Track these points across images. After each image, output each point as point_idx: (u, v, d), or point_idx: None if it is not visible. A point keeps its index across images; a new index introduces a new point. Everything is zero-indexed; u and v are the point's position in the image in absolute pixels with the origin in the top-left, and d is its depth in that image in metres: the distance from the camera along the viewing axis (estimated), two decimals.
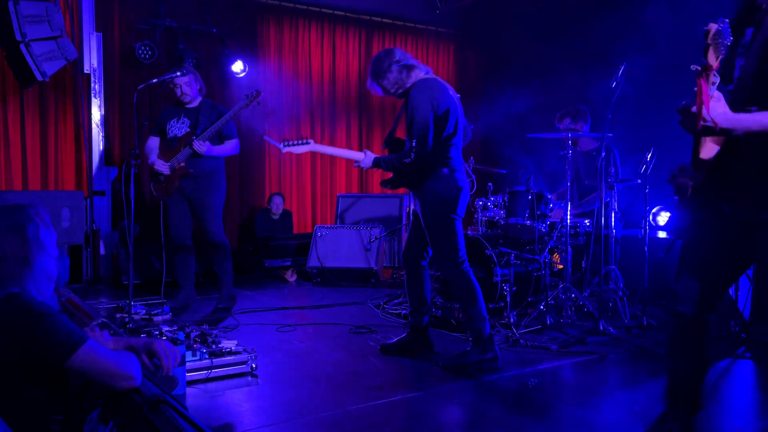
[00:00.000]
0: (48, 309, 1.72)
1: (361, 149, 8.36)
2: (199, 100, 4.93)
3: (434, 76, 3.72)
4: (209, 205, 4.86)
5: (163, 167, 4.78)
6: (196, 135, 4.73)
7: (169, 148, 4.85)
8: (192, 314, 4.82)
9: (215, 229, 4.88)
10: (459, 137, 3.67)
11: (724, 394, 3.27)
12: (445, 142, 3.59)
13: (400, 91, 3.65)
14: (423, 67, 3.69)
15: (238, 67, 7.10)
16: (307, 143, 3.61)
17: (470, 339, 3.58)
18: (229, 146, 4.91)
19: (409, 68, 3.63)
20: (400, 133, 3.77)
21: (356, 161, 3.71)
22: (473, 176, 5.04)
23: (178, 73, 4.64)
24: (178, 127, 4.86)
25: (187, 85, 4.82)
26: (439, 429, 2.81)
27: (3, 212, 1.78)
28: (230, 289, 5.00)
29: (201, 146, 4.66)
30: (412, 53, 8.93)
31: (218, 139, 4.85)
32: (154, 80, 4.49)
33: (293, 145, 3.62)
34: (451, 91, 3.69)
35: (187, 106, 4.90)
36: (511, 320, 4.25)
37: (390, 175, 3.74)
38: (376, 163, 3.65)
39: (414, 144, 3.47)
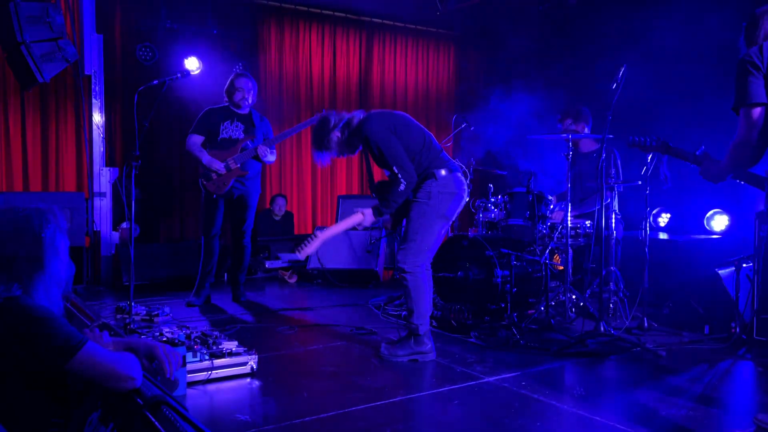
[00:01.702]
0: (47, 313, 1.72)
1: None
2: (249, 108, 5.21)
3: (369, 113, 3.80)
4: (251, 206, 5.24)
5: (219, 166, 5.03)
6: (259, 140, 5.08)
7: (222, 149, 5.09)
8: (195, 314, 4.83)
9: (249, 229, 5.26)
10: (433, 138, 3.78)
11: (724, 395, 3.27)
12: (427, 146, 3.71)
13: (346, 153, 3.78)
14: (357, 113, 3.79)
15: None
16: (316, 237, 3.70)
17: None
18: (274, 155, 5.26)
19: (347, 125, 3.71)
20: (378, 176, 3.88)
21: (359, 224, 3.76)
22: (470, 177, 5.06)
23: (178, 75, 4.68)
24: (233, 130, 5.12)
25: (249, 92, 5.12)
26: (440, 430, 2.81)
27: (22, 214, 1.80)
28: (241, 285, 5.39)
29: (267, 153, 5.05)
30: (412, 54, 8.90)
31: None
32: (155, 81, 4.52)
33: (307, 245, 3.69)
34: (396, 112, 3.86)
35: (238, 111, 5.16)
36: (512, 321, 4.25)
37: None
38: (377, 212, 3.72)
39: (396, 170, 3.56)
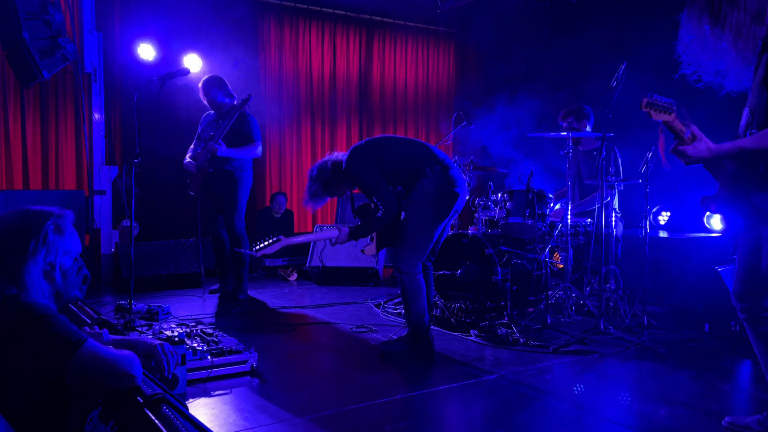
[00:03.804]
0: (47, 310, 1.72)
1: None
2: (229, 106, 5.24)
3: (350, 150, 3.83)
4: (228, 201, 5.24)
5: (190, 166, 5.21)
6: (215, 138, 5.07)
7: (200, 149, 5.24)
8: (195, 312, 4.83)
9: (235, 222, 5.27)
10: (423, 143, 3.84)
11: (724, 394, 3.27)
12: (417, 150, 3.74)
13: (335, 193, 3.86)
14: (341, 155, 3.83)
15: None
16: (278, 240, 3.72)
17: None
18: (250, 148, 5.23)
19: (336, 167, 3.76)
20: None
21: (332, 239, 3.79)
22: (469, 175, 5.05)
23: (177, 73, 4.68)
24: (208, 131, 5.25)
25: (208, 94, 5.17)
26: (439, 428, 2.81)
27: (34, 218, 1.82)
28: (244, 281, 5.38)
29: (213, 147, 5.00)
30: (412, 53, 8.91)
31: (239, 141, 5.15)
32: (155, 79, 4.51)
33: (264, 247, 3.72)
34: (376, 138, 3.93)
35: (221, 111, 5.25)
36: (512, 319, 4.25)
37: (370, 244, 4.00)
38: (353, 234, 3.74)
39: (375, 199, 3.61)
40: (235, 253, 5.34)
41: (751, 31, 2.24)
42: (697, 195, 2.90)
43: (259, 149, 5.31)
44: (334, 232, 3.75)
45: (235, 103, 5.19)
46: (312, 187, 3.82)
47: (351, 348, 4.01)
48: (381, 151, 3.74)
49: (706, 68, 2.38)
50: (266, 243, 3.66)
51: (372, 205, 3.65)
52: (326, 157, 3.84)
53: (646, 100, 2.41)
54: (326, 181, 3.78)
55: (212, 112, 5.34)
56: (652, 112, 2.41)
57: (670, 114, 2.40)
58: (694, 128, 2.37)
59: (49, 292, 1.85)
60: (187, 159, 5.26)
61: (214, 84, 5.19)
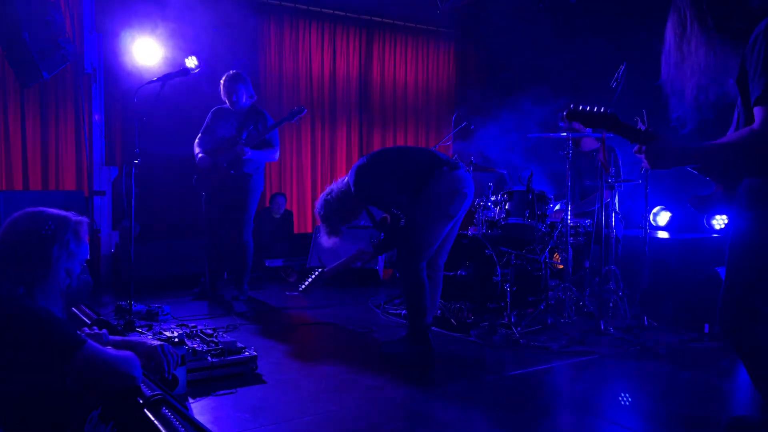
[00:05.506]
0: (46, 313, 1.72)
1: (361, 149, 8.45)
2: (247, 105, 5.22)
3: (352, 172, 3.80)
4: (244, 204, 5.20)
5: (207, 164, 5.12)
6: (240, 139, 5.04)
7: (215, 147, 5.18)
8: (195, 312, 4.83)
9: (245, 226, 5.23)
10: (427, 149, 3.85)
11: (724, 394, 3.27)
12: (423, 156, 3.74)
13: (356, 215, 3.84)
14: (347, 177, 3.81)
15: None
16: (320, 273, 3.90)
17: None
18: (269, 153, 5.23)
19: (345, 194, 3.75)
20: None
21: (362, 259, 3.84)
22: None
23: (177, 73, 4.68)
24: (226, 128, 5.19)
25: (235, 93, 5.12)
26: (439, 429, 2.81)
27: (50, 222, 1.85)
28: (244, 282, 5.36)
29: (243, 151, 4.98)
30: (412, 53, 8.91)
31: (261, 144, 5.14)
32: (155, 79, 4.51)
33: (310, 284, 3.96)
34: (379, 152, 3.90)
35: (235, 108, 5.20)
36: (511, 320, 4.25)
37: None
38: (381, 249, 3.78)
39: (395, 210, 3.66)
40: (238, 255, 5.31)
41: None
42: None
43: (278, 154, 5.32)
44: (363, 254, 3.81)
45: (268, 115, 5.20)
46: (328, 225, 3.80)
47: (351, 348, 4.00)
48: (385, 164, 3.73)
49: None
50: (310, 281, 3.87)
51: (390, 217, 3.68)
52: (327, 190, 3.82)
53: (567, 111, 2.21)
54: (338, 212, 3.77)
55: (225, 106, 5.26)
56: (580, 121, 2.22)
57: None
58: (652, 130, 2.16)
59: (58, 297, 1.86)
60: (201, 153, 5.16)
61: (239, 81, 5.15)
